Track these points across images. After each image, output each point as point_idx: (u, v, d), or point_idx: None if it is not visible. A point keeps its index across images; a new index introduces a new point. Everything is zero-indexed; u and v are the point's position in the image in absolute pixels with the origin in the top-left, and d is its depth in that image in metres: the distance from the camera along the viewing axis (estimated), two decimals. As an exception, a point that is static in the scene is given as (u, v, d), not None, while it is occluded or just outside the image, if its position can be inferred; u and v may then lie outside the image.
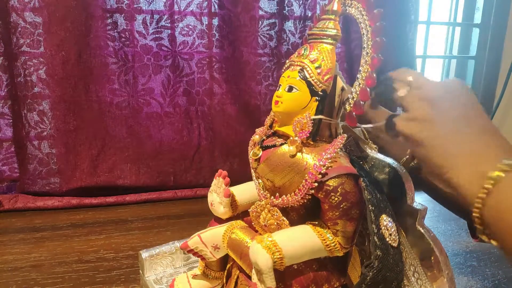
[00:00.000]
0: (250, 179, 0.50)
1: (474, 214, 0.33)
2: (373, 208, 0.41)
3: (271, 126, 0.48)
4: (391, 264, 0.40)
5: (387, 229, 0.41)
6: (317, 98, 0.42)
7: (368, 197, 0.41)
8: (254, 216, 0.47)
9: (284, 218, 0.44)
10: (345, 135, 0.42)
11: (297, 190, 0.42)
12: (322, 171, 0.40)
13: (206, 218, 0.56)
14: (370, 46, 0.41)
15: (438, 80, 0.41)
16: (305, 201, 0.41)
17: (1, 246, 0.78)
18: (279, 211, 0.44)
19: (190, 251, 0.50)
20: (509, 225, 0.30)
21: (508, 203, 0.31)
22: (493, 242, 0.33)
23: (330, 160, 0.40)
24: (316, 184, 0.40)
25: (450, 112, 0.38)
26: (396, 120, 0.41)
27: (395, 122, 0.41)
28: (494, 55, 1.37)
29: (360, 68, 0.43)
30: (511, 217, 0.30)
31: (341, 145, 0.41)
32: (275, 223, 0.44)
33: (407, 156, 0.51)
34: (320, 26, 0.45)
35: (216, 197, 0.52)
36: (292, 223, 0.44)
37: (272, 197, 0.44)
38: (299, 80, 0.42)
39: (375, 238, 0.40)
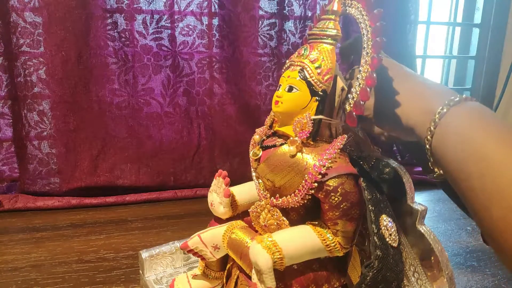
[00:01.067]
0: (250, 179, 0.50)
1: (426, 146, 0.37)
2: (373, 208, 0.41)
3: (271, 126, 0.48)
4: (391, 264, 0.40)
5: (387, 229, 0.41)
6: (317, 98, 0.42)
7: (368, 197, 0.41)
8: (254, 216, 0.47)
9: (284, 218, 0.44)
10: (345, 135, 0.42)
11: (297, 191, 0.42)
12: (322, 172, 0.40)
13: (206, 218, 0.55)
14: (370, 46, 0.41)
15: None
16: (305, 201, 0.41)
17: (1, 246, 0.78)
18: (279, 211, 0.44)
19: (190, 251, 0.50)
20: (451, 150, 0.34)
21: (450, 131, 0.35)
22: (437, 170, 0.38)
23: (330, 161, 0.40)
24: (315, 184, 0.40)
25: (387, 78, 0.43)
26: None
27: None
28: (494, 55, 1.37)
29: (360, 68, 0.43)
30: (454, 143, 0.34)
31: (341, 145, 0.41)
32: (275, 223, 0.44)
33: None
34: (320, 26, 0.45)
35: (216, 197, 0.52)
36: (292, 223, 0.44)
37: (272, 197, 0.44)
38: (299, 80, 0.42)
39: (375, 238, 0.40)
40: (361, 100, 0.42)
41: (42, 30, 0.93)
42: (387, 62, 0.45)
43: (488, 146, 0.32)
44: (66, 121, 0.99)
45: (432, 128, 0.36)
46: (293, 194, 0.42)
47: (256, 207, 0.46)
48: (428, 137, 0.37)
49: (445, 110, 0.36)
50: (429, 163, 0.38)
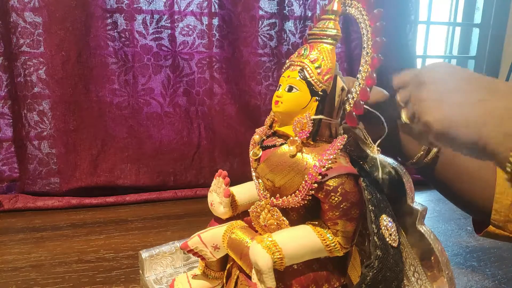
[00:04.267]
0: (250, 179, 0.50)
1: (506, 176, 0.33)
2: (373, 208, 0.41)
3: (271, 126, 0.48)
4: (391, 264, 0.40)
5: (387, 229, 0.41)
6: (317, 98, 0.42)
7: (368, 197, 0.41)
8: (254, 216, 0.47)
9: (284, 218, 0.44)
10: (345, 135, 0.42)
11: (297, 191, 0.42)
12: (321, 172, 0.40)
13: (206, 218, 0.55)
14: (370, 46, 0.42)
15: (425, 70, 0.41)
16: (306, 202, 0.41)
17: (1, 246, 0.78)
18: (279, 211, 0.44)
19: (190, 251, 0.50)
20: None
21: None
22: None
23: (330, 161, 0.40)
24: (315, 185, 0.40)
25: (450, 93, 0.38)
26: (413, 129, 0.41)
27: (414, 115, 0.41)
28: (494, 55, 1.37)
29: (360, 68, 0.43)
30: None
31: (341, 146, 0.41)
32: (275, 223, 0.44)
33: (422, 152, 0.53)
34: (320, 26, 0.45)
35: (216, 197, 0.52)
36: (292, 223, 0.44)
37: (272, 197, 0.44)
38: (299, 80, 0.42)
39: (375, 238, 0.40)
40: (361, 100, 0.42)
41: (42, 30, 0.93)
42: (451, 67, 0.41)
43: None
44: (66, 121, 0.99)
45: None
46: (293, 194, 0.42)
47: (256, 207, 0.46)
48: (509, 168, 0.33)
49: None
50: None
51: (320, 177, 0.40)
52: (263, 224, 0.46)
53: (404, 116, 0.41)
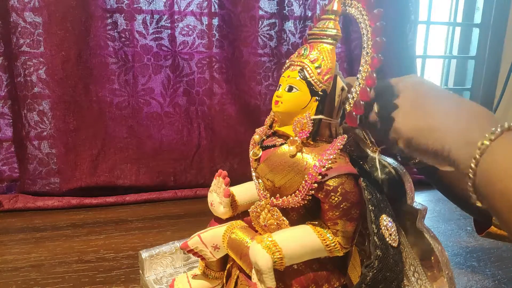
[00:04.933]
0: (250, 179, 0.50)
1: (468, 184, 0.34)
2: (373, 208, 0.41)
3: (271, 126, 0.48)
4: (391, 264, 0.40)
5: (387, 229, 0.41)
6: (317, 98, 0.42)
7: (368, 197, 0.41)
8: (254, 216, 0.47)
9: (284, 218, 0.44)
10: (345, 135, 0.42)
11: (297, 191, 0.42)
12: (321, 172, 0.40)
13: (206, 218, 0.55)
14: (370, 46, 0.41)
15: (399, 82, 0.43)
16: (306, 202, 0.41)
17: (1, 246, 0.78)
18: (279, 211, 0.44)
19: (190, 251, 0.50)
20: (496, 190, 0.32)
21: (496, 169, 0.32)
22: (484, 207, 0.35)
23: (330, 161, 0.40)
24: (315, 185, 0.40)
25: (421, 103, 0.40)
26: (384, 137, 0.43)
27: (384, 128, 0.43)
28: (494, 55, 1.37)
29: (360, 68, 0.43)
30: (498, 182, 0.32)
31: (341, 145, 0.41)
32: (275, 223, 0.44)
33: None
34: (320, 26, 0.45)
35: (216, 197, 0.52)
36: (292, 223, 0.44)
37: (272, 197, 0.44)
38: (299, 80, 0.42)
39: (375, 238, 0.40)
40: (361, 100, 0.42)
41: (42, 30, 0.93)
42: (421, 80, 0.43)
43: None
44: (66, 121, 0.99)
45: (473, 166, 0.33)
46: (293, 194, 0.42)
47: (256, 207, 0.46)
48: (470, 175, 0.34)
49: (486, 143, 0.33)
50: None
51: (320, 177, 0.40)
52: (263, 224, 0.46)
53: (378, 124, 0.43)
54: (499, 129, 0.33)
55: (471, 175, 0.34)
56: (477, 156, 0.33)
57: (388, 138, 0.42)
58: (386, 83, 0.44)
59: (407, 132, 0.39)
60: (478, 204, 0.35)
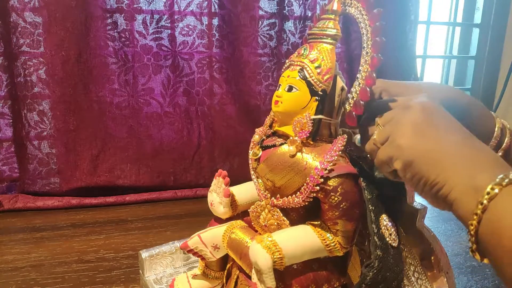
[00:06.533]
0: (250, 179, 0.50)
1: (469, 231, 0.31)
2: (373, 208, 0.41)
3: (271, 126, 0.48)
4: (391, 264, 0.40)
5: (387, 229, 0.41)
6: (317, 98, 0.42)
7: (368, 197, 0.41)
8: (254, 216, 0.47)
9: (285, 218, 0.44)
10: (345, 136, 0.42)
11: (298, 193, 0.42)
12: (323, 175, 0.40)
13: (206, 218, 0.55)
14: (370, 46, 0.41)
15: (410, 100, 0.39)
16: (307, 203, 0.41)
17: (1, 246, 0.78)
18: (279, 211, 0.44)
19: (190, 251, 0.50)
20: (506, 244, 0.28)
21: (506, 220, 0.28)
22: (486, 261, 0.31)
23: (331, 164, 0.40)
24: (317, 188, 0.40)
25: (431, 128, 0.36)
26: (379, 151, 0.39)
27: (376, 153, 0.39)
28: (494, 55, 1.37)
29: (360, 67, 0.43)
30: (506, 238, 0.28)
31: (342, 147, 0.41)
32: (276, 223, 0.44)
33: None
34: (320, 26, 0.45)
35: (216, 197, 0.52)
36: (292, 223, 0.44)
37: (273, 197, 0.44)
38: (299, 80, 0.42)
39: (375, 238, 0.40)
40: (361, 99, 0.42)
41: (42, 30, 0.93)
42: (437, 106, 0.38)
43: None
44: (66, 121, 0.99)
45: (479, 212, 0.30)
46: (294, 195, 0.42)
47: (256, 207, 0.46)
48: (474, 222, 0.30)
49: (496, 190, 0.29)
50: (470, 249, 0.32)
51: (322, 179, 0.40)
52: (263, 224, 0.46)
53: (376, 136, 0.39)
54: (511, 176, 0.29)
55: (474, 222, 0.30)
56: (485, 202, 0.29)
57: (385, 154, 0.38)
58: (394, 100, 0.41)
59: (409, 152, 0.35)
60: (477, 258, 0.31)
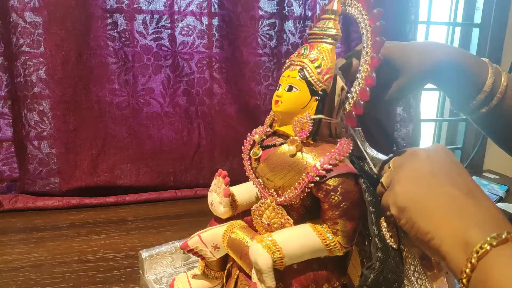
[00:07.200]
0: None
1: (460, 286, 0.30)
2: (373, 209, 0.41)
3: (271, 126, 0.48)
4: (392, 266, 0.40)
5: (388, 231, 0.41)
6: (317, 97, 0.42)
7: (369, 198, 0.41)
8: (257, 215, 0.47)
9: (289, 218, 0.44)
10: (351, 140, 0.43)
11: (296, 183, 0.42)
12: (326, 168, 0.40)
13: (206, 218, 0.55)
14: (370, 46, 0.42)
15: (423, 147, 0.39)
16: (305, 194, 0.41)
17: (1, 246, 0.78)
18: (284, 210, 0.44)
19: (190, 251, 0.51)
20: None
21: (493, 282, 0.27)
22: None
23: (337, 160, 0.40)
24: (317, 178, 0.40)
25: (430, 177, 0.36)
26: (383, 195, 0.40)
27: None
28: (494, 55, 1.37)
29: (360, 67, 0.43)
30: None
31: (348, 154, 0.41)
32: (279, 222, 0.44)
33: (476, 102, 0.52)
34: (320, 25, 0.45)
35: (216, 196, 0.52)
36: (293, 223, 0.44)
37: (276, 195, 0.44)
38: (299, 79, 0.42)
39: (376, 239, 0.40)
40: (361, 99, 0.42)
41: (42, 30, 0.93)
42: (446, 152, 0.39)
43: None
44: (66, 121, 0.99)
45: (468, 271, 0.29)
46: (292, 187, 0.42)
47: (260, 206, 0.46)
48: (464, 279, 0.29)
49: (487, 248, 0.28)
50: None
51: (324, 171, 0.40)
52: (266, 223, 0.45)
53: (383, 179, 0.41)
54: (505, 234, 0.28)
55: (464, 280, 0.29)
56: (473, 261, 0.29)
57: (384, 198, 0.39)
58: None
59: (403, 198, 0.36)
60: None
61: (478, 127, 0.59)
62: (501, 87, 0.51)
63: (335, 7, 0.44)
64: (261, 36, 1.08)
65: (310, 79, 0.42)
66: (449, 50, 0.53)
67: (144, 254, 0.62)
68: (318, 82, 0.42)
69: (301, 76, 0.42)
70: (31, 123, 0.97)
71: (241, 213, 0.54)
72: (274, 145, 0.44)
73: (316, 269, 0.43)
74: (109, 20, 0.97)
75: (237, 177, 0.55)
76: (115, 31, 0.98)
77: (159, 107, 1.05)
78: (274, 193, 0.45)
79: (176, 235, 0.84)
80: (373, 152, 0.48)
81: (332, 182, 0.40)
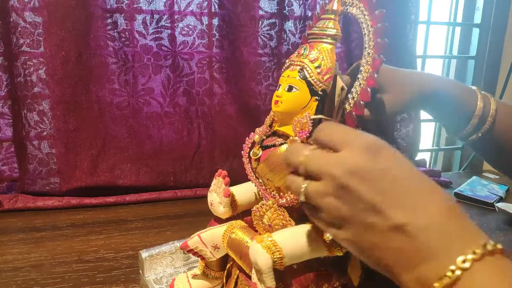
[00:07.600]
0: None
1: None
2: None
3: (271, 126, 0.48)
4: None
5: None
6: (317, 97, 0.42)
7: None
8: (258, 216, 0.47)
9: (291, 219, 0.44)
10: None
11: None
12: None
13: (206, 218, 0.55)
14: (371, 46, 0.42)
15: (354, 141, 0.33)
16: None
17: (1, 246, 0.78)
18: (286, 211, 0.44)
19: (190, 251, 0.51)
20: None
21: None
22: None
23: None
24: None
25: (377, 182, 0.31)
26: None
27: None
28: (494, 55, 1.37)
29: (361, 68, 0.43)
30: None
31: None
32: (281, 224, 0.44)
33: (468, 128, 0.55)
34: (320, 25, 0.45)
35: (216, 197, 0.52)
36: (294, 224, 0.44)
37: (278, 196, 0.44)
38: (299, 79, 0.42)
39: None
40: (361, 100, 0.42)
41: (42, 30, 0.93)
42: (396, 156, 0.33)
43: None
44: (66, 121, 0.99)
45: None
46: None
47: (261, 207, 0.46)
48: None
49: (458, 272, 0.26)
50: None
51: None
52: (267, 224, 0.45)
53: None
54: (478, 250, 0.25)
55: None
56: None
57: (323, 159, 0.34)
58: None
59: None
60: None
61: (475, 152, 0.61)
62: (491, 110, 0.54)
63: (335, 7, 0.44)
64: (261, 36, 1.08)
65: (310, 79, 0.42)
66: (439, 80, 0.56)
67: (144, 254, 0.62)
68: (318, 82, 0.42)
69: (301, 76, 0.42)
70: (31, 123, 0.97)
71: (241, 213, 0.54)
72: (274, 145, 0.45)
73: (316, 269, 0.43)
74: (109, 20, 0.97)
75: (237, 177, 0.55)
76: (115, 31, 0.98)
77: (159, 107, 1.05)
78: (276, 194, 0.45)
79: (176, 235, 0.84)
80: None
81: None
